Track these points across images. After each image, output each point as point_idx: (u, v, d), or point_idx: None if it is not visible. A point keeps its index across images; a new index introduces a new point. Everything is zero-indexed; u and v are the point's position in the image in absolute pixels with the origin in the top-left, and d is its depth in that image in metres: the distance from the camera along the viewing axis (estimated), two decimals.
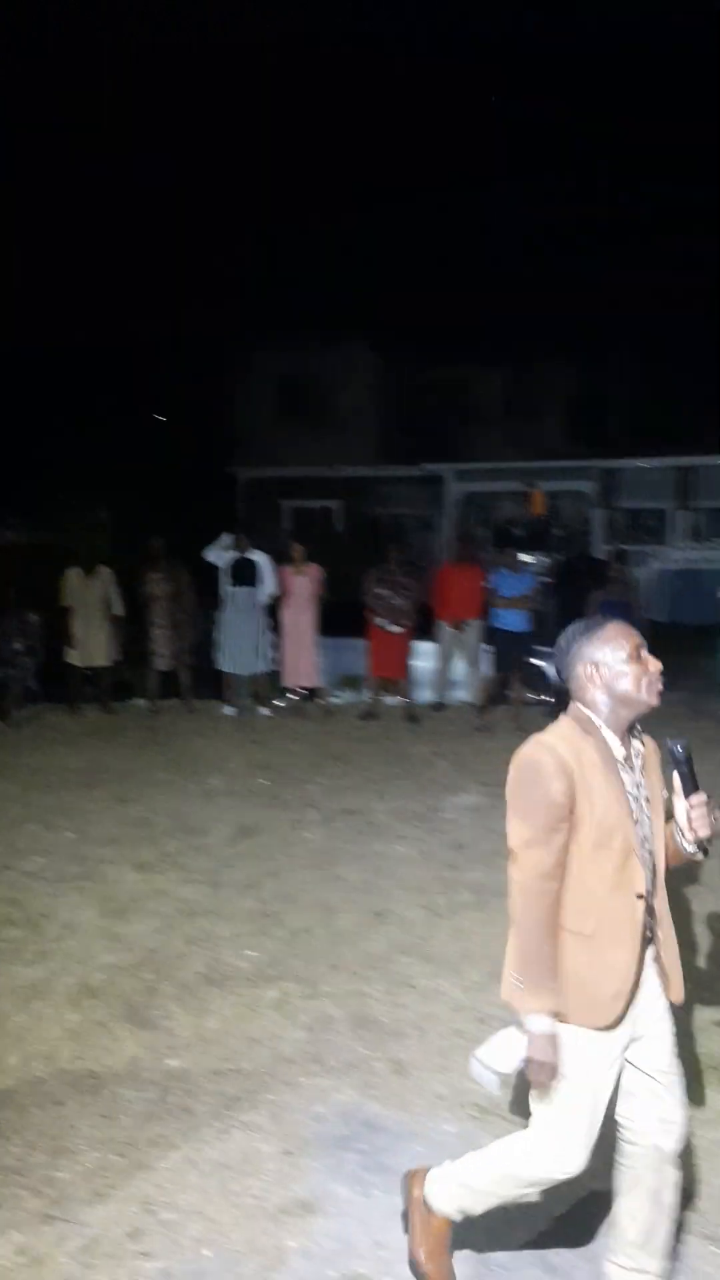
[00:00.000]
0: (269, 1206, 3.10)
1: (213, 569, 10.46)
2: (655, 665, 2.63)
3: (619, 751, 2.58)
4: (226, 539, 10.44)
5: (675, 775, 2.65)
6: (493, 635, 10.04)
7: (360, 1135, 3.48)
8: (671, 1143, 2.59)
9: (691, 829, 2.59)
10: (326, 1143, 3.44)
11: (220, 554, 10.38)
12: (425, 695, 10.95)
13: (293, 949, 4.98)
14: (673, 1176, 2.62)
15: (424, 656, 11.24)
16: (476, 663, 10.67)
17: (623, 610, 9.15)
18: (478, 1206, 2.70)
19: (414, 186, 29.40)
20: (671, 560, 20.02)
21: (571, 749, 2.52)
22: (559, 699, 10.21)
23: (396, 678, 10.40)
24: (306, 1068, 3.90)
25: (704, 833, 2.59)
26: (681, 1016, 2.90)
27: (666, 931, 2.62)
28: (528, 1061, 2.49)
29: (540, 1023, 2.46)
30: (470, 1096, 3.67)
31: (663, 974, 2.62)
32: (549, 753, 2.51)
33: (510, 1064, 2.59)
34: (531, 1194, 2.62)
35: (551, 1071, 2.46)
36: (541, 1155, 2.56)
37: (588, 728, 2.59)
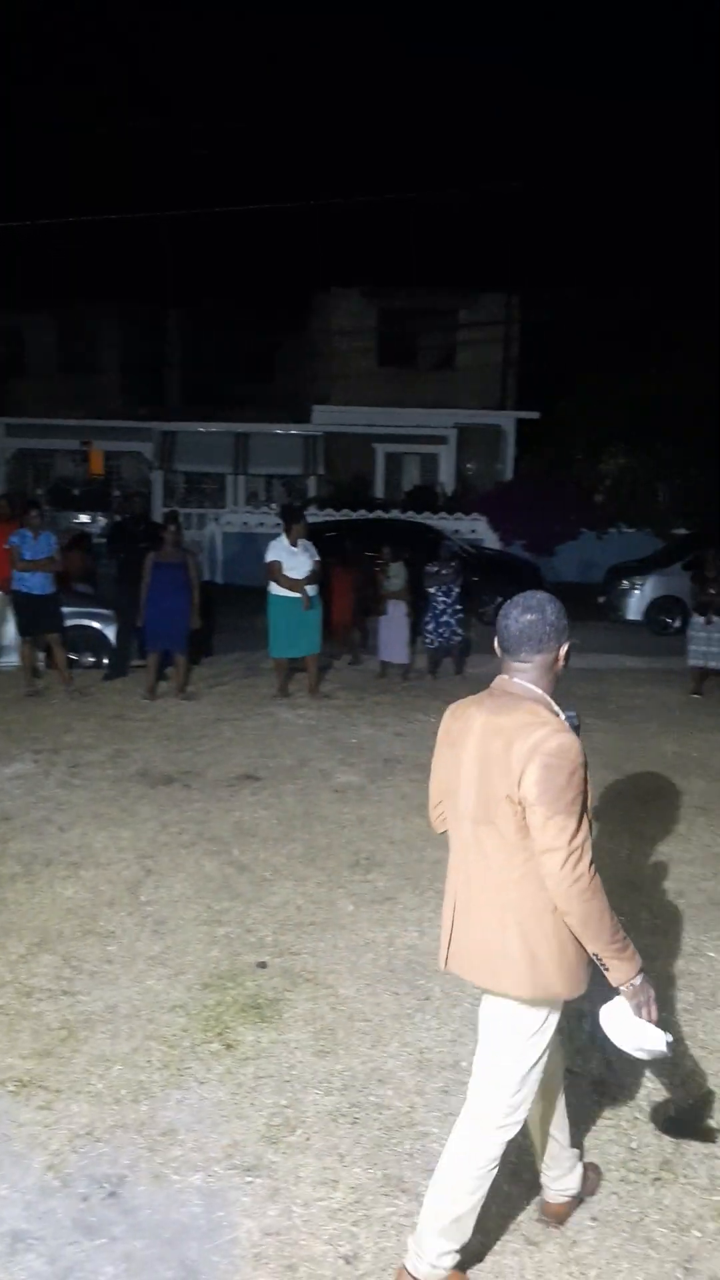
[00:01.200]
0: None
1: None
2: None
3: None
4: None
5: None
6: (15, 598, 9.59)
7: None
8: None
9: None
10: None
11: None
12: None
13: None
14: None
15: None
16: None
17: (176, 572, 9.27)
18: (467, 1226, 2.61)
19: None
20: (227, 523, 20.57)
21: None
22: (116, 660, 10.00)
23: None
24: None
25: None
26: None
27: None
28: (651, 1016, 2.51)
29: (646, 982, 2.50)
30: (9, 1072, 3.57)
31: None
32: (575, 739, 2.44)
33: (653, 1035, 2.53)
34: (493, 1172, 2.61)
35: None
36: (510, 1121, 2.57)
37: (550, 708, 2.53)
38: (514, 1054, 2.55)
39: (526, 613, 2.57)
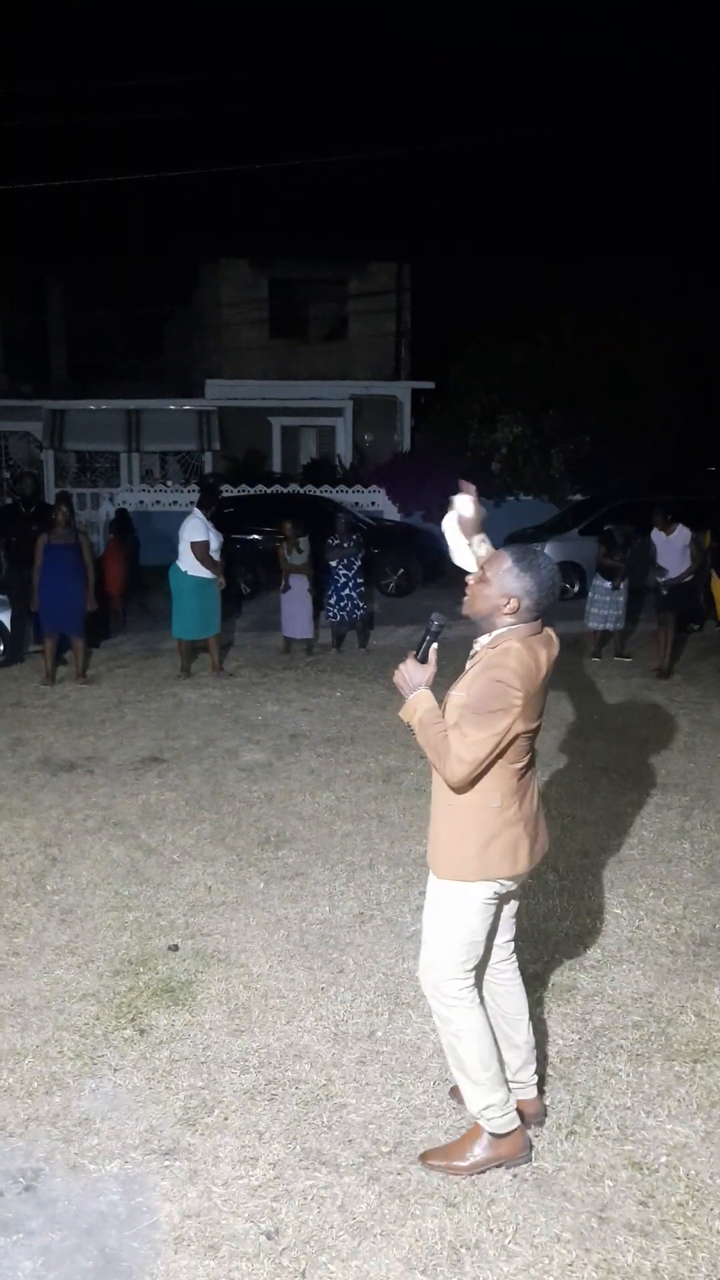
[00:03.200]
0: None
1: None
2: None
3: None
4: None
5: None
6: None
7: None
8: None
9: None
10: None
11: None
12: None
13: None
14: None
15: None
16: None
17: (70, 553, 9.06)
18: (487, 1077, 2.99)
19: None
20: (123, 502, 20.19)
21: None
22: (11, 646, 9.79)
23: None
24: None
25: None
26: None
27: None
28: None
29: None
30: None
31: None
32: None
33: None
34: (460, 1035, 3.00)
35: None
36: (435, 978, 2.99)
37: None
38: (431, 920, 3.03)
39: (553, 570, 2.95)
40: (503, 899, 3.06)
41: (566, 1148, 3.11)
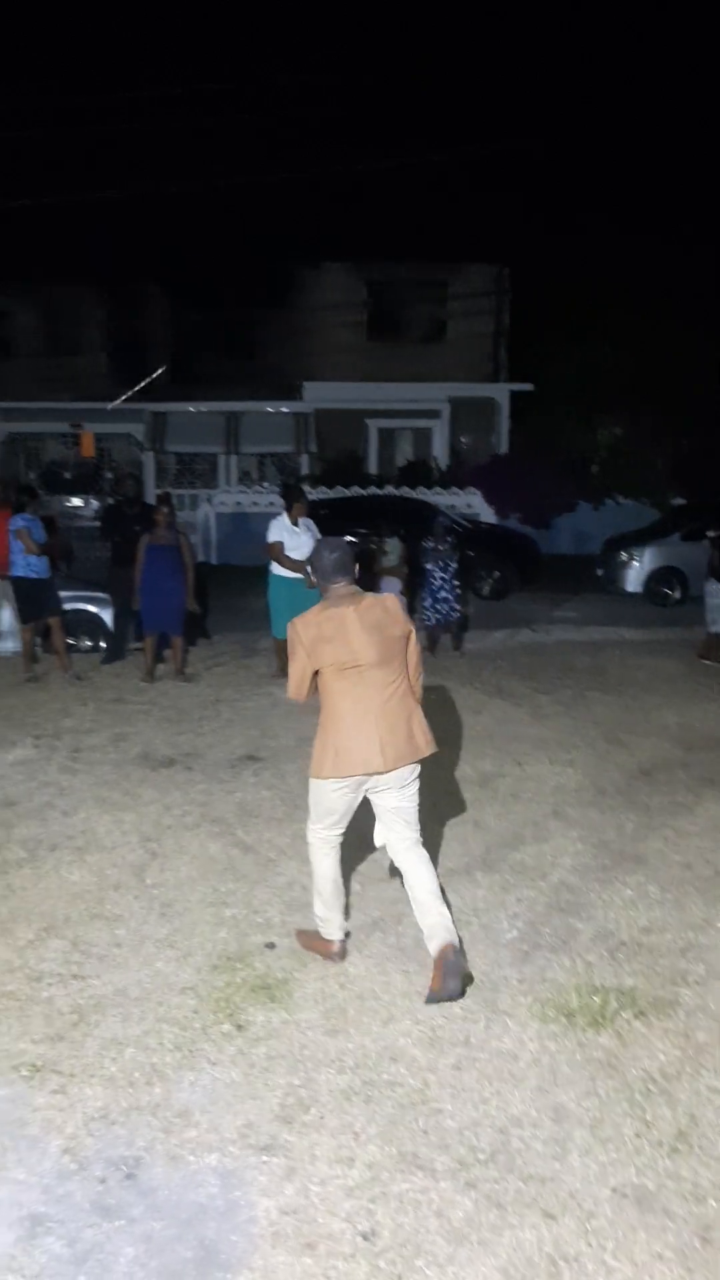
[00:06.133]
0: None
1: None
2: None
3: None
4: None
5: None
6: (18, 584, 9.53)
7: None
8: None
9: None
10: None
11: None
12: None
13: None
14: None
15: None
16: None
17: (171, 553, 9.22)
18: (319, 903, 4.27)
19: None
20: (220, 504, 20.49)
21: None
22: (113, 644, 10.04)
23: None
24: None
25: None
26: None
27: None
28: None
29: None
30: (22, 1058, 3.58)
31: None
32: None
33: None
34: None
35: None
36: (309, 838, 4.27)
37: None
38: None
39: (334, 551, 4.10)
40: (356, 791, 4.12)
41: (669, 1165, 3.04)
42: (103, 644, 10.39)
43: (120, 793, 6.39)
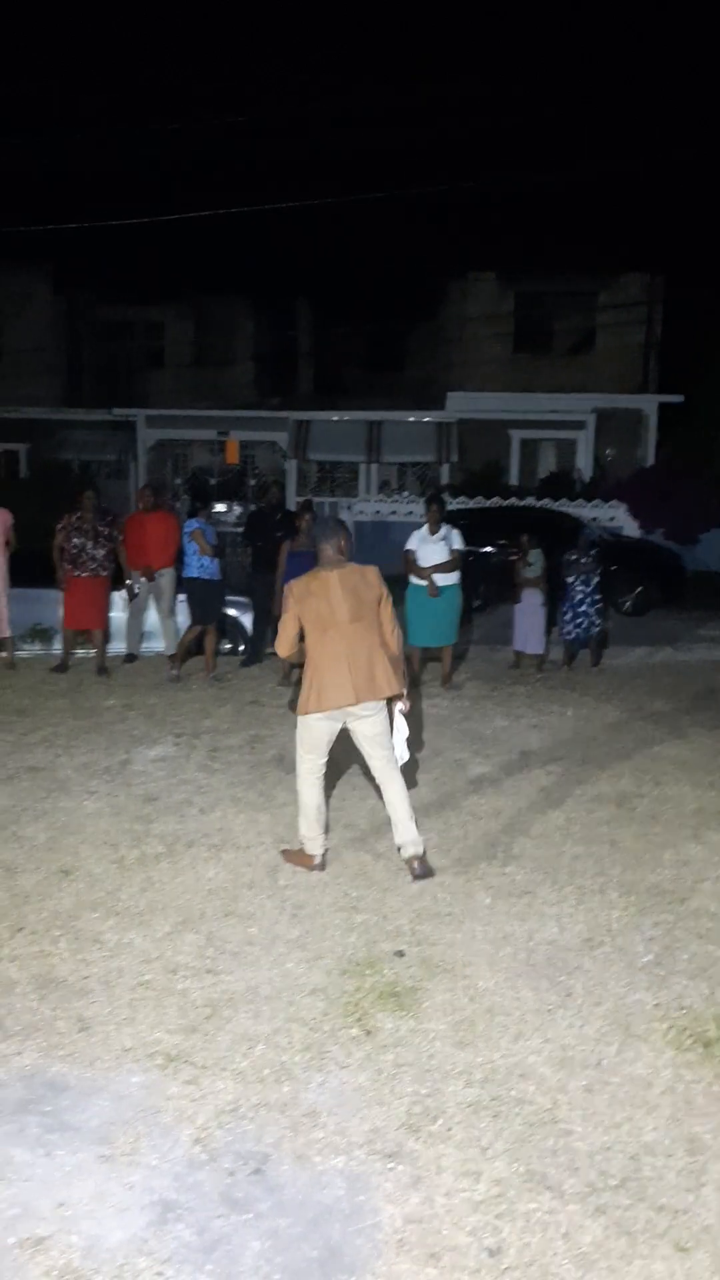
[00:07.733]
0: None
1: None
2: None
3: None
4: None
5: None
6: (192, 585, 9.90)
7: (43, 1097, 3.40)
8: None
9: None
10: (6, 1108, 3.33)
11: None
12: (117, 647, 10.68)
13: None
14: None
15: (116, 607, 10.95)
16: (172, 613, 10.52)
17: (310, 560, 9.32)
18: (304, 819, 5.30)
19: (99, 113, 28.10)
20: (360, 512, 20.65)
21: None
22: (252, 647, 10.22)
23: (92, 629, 10.08)
24: None
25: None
26: None
27: None
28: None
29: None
30: (157, 1046, 3.67)
31: None
32: None
33: (401, 741, 5.31)
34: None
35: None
36: (297, 769, 5.35)
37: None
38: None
39: (326, 525, 5.39)
40: (334, 721, 5.15)
41: None
42: (242, 647, 10.61)
43: (255, 793, 6.51)
